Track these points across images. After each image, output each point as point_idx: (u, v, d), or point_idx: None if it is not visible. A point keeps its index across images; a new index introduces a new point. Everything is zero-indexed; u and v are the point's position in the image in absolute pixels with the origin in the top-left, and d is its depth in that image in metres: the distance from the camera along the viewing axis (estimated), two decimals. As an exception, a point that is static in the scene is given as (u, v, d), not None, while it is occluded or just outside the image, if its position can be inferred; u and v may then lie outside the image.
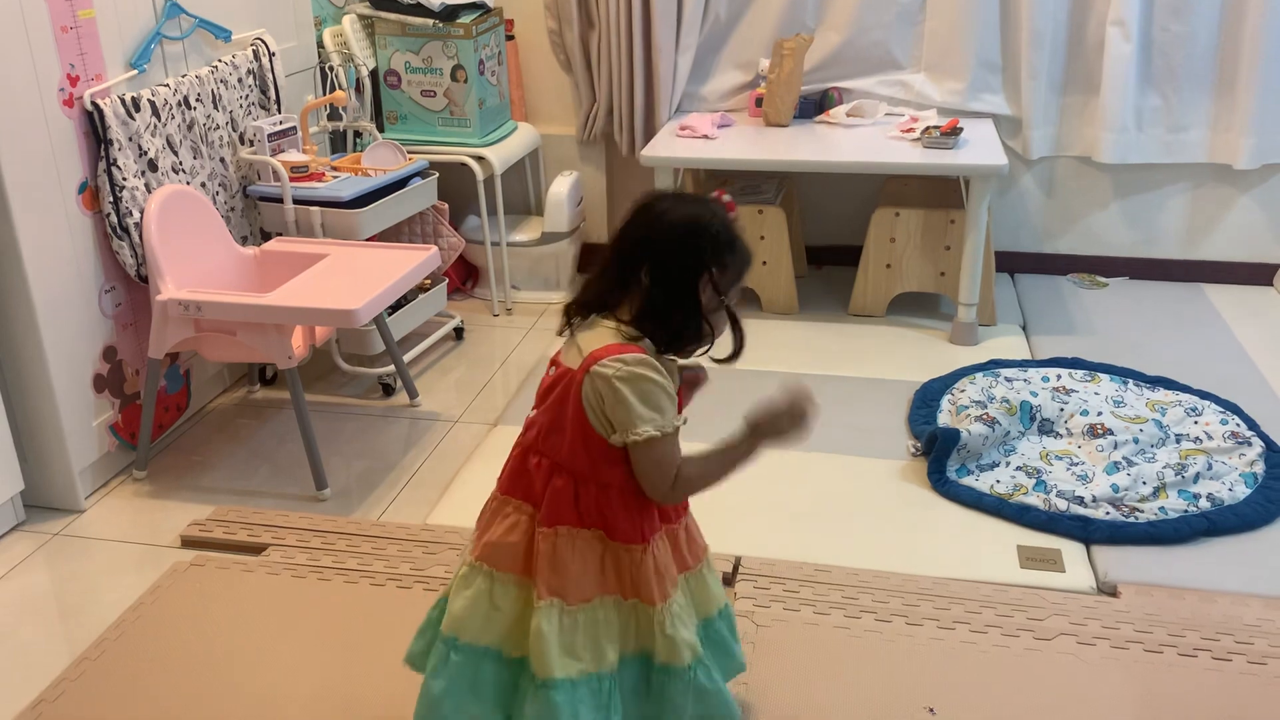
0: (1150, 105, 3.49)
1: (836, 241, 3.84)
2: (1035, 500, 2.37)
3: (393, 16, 3.40)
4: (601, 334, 1.44)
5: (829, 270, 3.84)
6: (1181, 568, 2.19)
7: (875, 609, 2.08)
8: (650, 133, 3.61)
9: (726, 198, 1.52)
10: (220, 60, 2.85)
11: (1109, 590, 2.14)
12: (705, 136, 3.38)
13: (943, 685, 1.88)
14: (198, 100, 2.74)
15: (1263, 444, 2.57)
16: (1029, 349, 3.20)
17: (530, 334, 3.47)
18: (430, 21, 3.35)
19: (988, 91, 3.57)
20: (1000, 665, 1.93)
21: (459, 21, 3.35)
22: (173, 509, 2.51)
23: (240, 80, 2.91)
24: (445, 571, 2.21)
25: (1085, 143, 3.58)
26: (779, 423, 1.46)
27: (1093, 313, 3.46)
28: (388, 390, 3.06)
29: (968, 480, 2.47)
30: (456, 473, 2.63)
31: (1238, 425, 2.63)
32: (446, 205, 3.28)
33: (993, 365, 3.03)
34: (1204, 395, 2.81)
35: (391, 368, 3.00)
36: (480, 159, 3.42)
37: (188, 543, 2.37)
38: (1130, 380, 2.89)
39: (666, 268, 1.41)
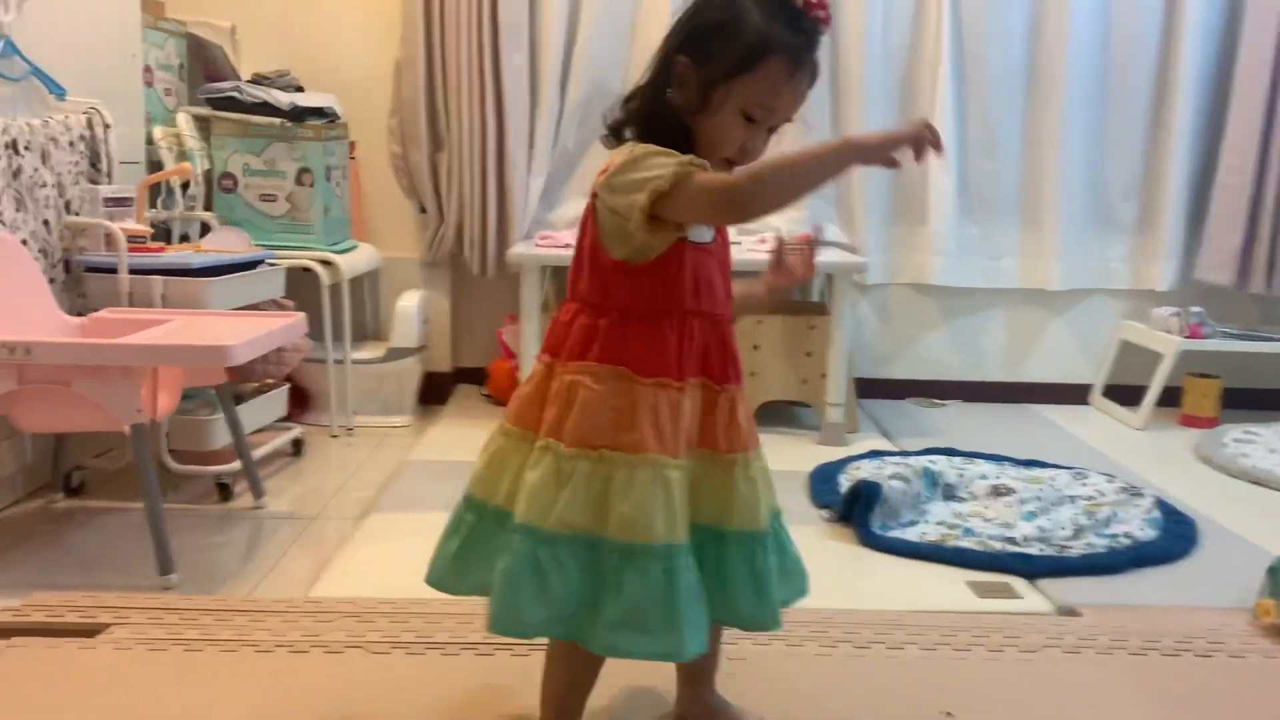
0: (970, 234, 3.76)
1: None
2: (970, 543, 2.30)
3: (235, 116, 3.20)
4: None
5: (680, 397, 3.77)
6: (1127, 592, 2.15)
7: (849, 638, 1.88)
8: (504, 249, 3.50)
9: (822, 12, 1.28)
10: (52, 118, 2.56)
11: (1068, 612, 2.05)
12: (567, 245, 3.33)
13: (952, 693, 1.70)
14: (26, 148, 2.42)
15: (1152, 497, 2.63)
16: (898, 447, 3.21)
17: (375, 453, 3.13)
18: (278, 121, 3.18)
19: (825, 221, 3.75)
20: (1001, 674, 1.78)
21: (308, 124, 3.21)
22: (-34, 607, 1.99)
23: (71, 144, 2.61)
24: (347, 636, 1.84)
25: (915, 268, 3.79)
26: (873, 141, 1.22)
27: (943, 425, 3.54)
28: (225, 491, 2.64)
29: (895, 534, 2.37)
30: (337, 549, 2.27)
31: (1124, 483, 2.70)
32: (293, 302, 3.00)
33: (874, 455, 3.00)
34: (1078, 469, 2.88)
35: (236, 464, 2.61)
36: (328, 263, 3.18)
37: (-4, 632, 1.87)
38: (1007, 463, 2.94)
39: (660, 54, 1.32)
